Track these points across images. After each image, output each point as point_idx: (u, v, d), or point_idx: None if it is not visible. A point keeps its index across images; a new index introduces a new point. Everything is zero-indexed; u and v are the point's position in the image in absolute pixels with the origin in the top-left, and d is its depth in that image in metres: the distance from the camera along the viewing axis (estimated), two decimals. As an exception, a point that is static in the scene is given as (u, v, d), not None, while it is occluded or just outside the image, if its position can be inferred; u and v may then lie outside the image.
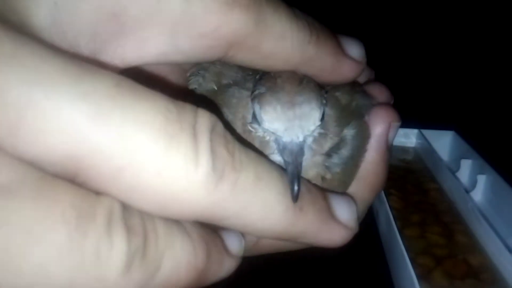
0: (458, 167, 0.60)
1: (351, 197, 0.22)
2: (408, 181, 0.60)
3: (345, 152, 0.24)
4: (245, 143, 0.18)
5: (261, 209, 0.17)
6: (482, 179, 0.56)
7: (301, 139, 0.22)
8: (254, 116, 0.23)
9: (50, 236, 0.14)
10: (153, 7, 0.18)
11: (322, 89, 0.23)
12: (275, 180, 0.18)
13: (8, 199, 0.13)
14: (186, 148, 0.15)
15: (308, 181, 0.22)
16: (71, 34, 0.18)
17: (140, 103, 0.15)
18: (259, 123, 0.22)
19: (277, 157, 0.22)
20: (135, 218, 0.15)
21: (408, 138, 0.68)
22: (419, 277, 0.41)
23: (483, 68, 0.87)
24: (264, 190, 0.17)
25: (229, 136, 0.17)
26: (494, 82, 0.85)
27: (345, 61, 0.24)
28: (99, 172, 0.15)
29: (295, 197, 0.18)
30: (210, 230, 0.17)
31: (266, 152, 0.22)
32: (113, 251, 0.14)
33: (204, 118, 0.16)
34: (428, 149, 0.63)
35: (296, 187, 0.19)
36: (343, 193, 0.21)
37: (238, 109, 0.24)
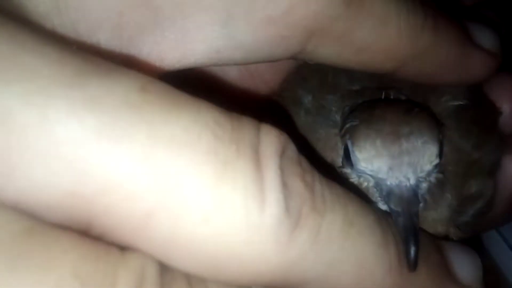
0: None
1: (474, 251, 0.17)
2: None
3: (478, 206, 0.19)
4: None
5: (355, 270, 0.12)
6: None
7: (412, 182, 0.16)
8: (346, 157, 0.17)
9: None
10: None
11: (438, 121, 0.17)
12: (372, 227, 0.13)
13: None
14: (245, 180, 0.10)
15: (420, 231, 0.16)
16: (84, 27, 0.13)
17: (178, 115, 0.10)
18: (352, 165, 0.17)
19: (381, 207, 0.16)
20: (177, 284, 0.11)
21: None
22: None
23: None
24: (358, 241, 0.12)
25: (305, 163, 0.12)
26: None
27: (475, 53, 0.17)
28: (120, 219, 0.10)
29: (413, 263, 0.13)
30: None
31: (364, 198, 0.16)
32: None
33: (271, 137, 0.11)
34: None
35: (413, 248, 0.13)
36: (462, 243, 0.17)
37: (326, 151, 0.18)
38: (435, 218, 0.18)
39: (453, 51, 0.17)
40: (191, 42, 0.14)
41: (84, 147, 0.10)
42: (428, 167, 0.16)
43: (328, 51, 0.15)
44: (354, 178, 0.17)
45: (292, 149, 0.12)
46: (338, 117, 0.18)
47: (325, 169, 0.16)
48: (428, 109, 0.17)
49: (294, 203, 0.11)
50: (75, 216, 0.10)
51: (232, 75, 0.18)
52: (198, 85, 0.13)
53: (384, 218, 0.14)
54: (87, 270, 0.10)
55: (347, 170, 0.17)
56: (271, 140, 0.11)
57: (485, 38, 0.18)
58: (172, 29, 0.14)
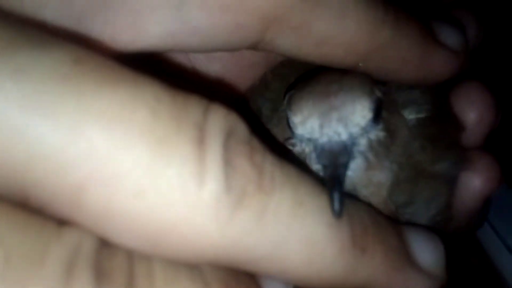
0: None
1: (435, 234, 0.16)
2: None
3: (431, 213, 0.18)
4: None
5: (305, 249, 0.12)
6: (481, 179, 0.57)
7: (344, 137, 0.16)
8: (289, 127, 0.17)
9: None
10: None
11: (374, 80, 0.17)
12: (324, 207, 0.13)
13: None
14: (183, 156, 0.10)
15: (373, 206, 0.16)
16: (30, 1, 0.12)
17: (113, 89, 0.10)
18: (293, 133, 0.17)
19: (315, 163, 0.16)
20: (116, 260, 0.10)
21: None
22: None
23: (480, 69, 0.88)
24: (307, 221, 0.12)
25: (256, 143, 0.12)
26: (491, 83, 0.86)
27: (437, 50, 0.17)
28: (52, 192, 0.10)
29: (338, 210, 0.13)
30: (243, 276, 0.12)
31: (305, 161, 0.17)
32: None
33: (218, 115, 0.11)
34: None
35: (336, 195, 0.13)
36: (424, 227, 0.16)
37: (281, 133, 0.18)
38: (380, 181, 0.17)
39: (415, 47, 0.16)
40: (144, 24, 0.14)
41: (9, 119, 0.09)
42: (361, 121, 0.16)
43: (287, 42, 0.15)
44: (297, 146, 0.17)
45: (241, 128, 0.12)
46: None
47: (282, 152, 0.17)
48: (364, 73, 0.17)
49: (237, 182, 0.11)
50: (11, 187, 0.10)
51: (215, 69, 0.18)
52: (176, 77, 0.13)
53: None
54: (13, 242, 0.09)
55: (292, 141, 0.17)
56: (218, 118, 0.11)
57: (449, 37, 0.17)
58: (124, 9, 0.13)
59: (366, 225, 0.13)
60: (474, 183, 0.18)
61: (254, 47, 0.15)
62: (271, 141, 0.16)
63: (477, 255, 0.48)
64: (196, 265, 0.11)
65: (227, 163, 0.11)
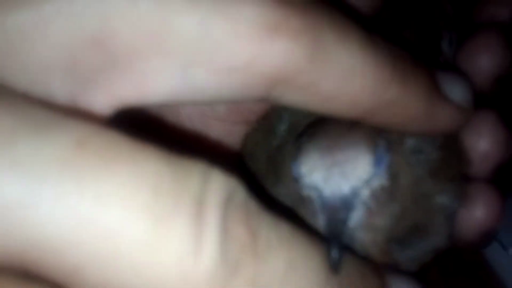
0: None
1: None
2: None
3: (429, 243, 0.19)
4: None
5: None
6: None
7: (345, 191, 0.17)
8: (295, 172, 0.18)
9: None
10: (157, 29, 0.13)
11: (381, 133, 0.18)
12: (316, 268, 0.13)
13: None
14: (181, 234, 0.11)
15: (362, 258, 0.16)
16: (34, 69, 0.13)
17: (114, 170, 0.10)
18: (299, 179, 0.17)
19: (319, 218, 0.17)
20: None
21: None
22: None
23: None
24: (300, 285, 0.12)
25: (253, 206, 0.12)
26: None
27: (443, 106, 0.17)
28: (50, 270, 0.11)
29: (335, 266, 0.13)
30: None
31: (308, 210, 0.17)
32: None
33: (219, 184, 0.11)
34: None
35: (335, 254, 0.14)
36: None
37: (284, 169, 0.19)
38: (380, 226, 0.18)
39: (420, 103, 0.16)
40: (150, 84, 0.14)
41: (9, 210, 0.10)
42: (363, 175, 0.17)
43: (295, 99, 0.15)
44: (304, 193, 0.18)
45: (240, 193, 0.12)
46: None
47: (277, 192, 0.18)
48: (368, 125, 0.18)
49: (233, 252, 0.11)
50: (13, 263, 0.11)
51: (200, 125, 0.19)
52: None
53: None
54: None
55: (296, 184, 0.18)
56: (218, 187, 0.11)
57: (455, 91, 0.17)
58: (130, 71, 0.14)
59: (356, 279, 0.14)
60: (475, 216, 0.19)
61: (261, 100, 0.16)
62: (265, 195, 0.17)
63: (471, 251, 0.48)
64: None
65: (225, 233, 0.11)
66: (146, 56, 0.13)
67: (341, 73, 0.15)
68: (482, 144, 0.19)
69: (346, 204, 0.16)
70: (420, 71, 0.17)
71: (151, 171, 0.11)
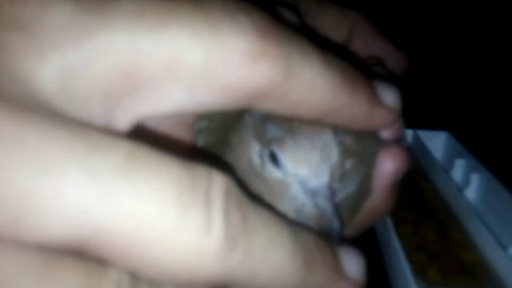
0: (451, 167, 0.61)
1: (359, 252, 0.22)
2: (403, 180, 0.60)
3: (350, 187, 0.24)
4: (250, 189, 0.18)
5: (273, 272, 0.17)
6: (475, 178, 0.57)
7: (327, 179, 0.22)
8: (272, 160, 0.22)
9: None
10: (170, 63, 0.17)
11: (332, 128, 0.23)
12: (287, 241, 0.17)
13: None
14: (198, 217, 0.15)
15: (315, 233, 0.21)
16: (81, 98, 0.16)
17: (153, 175, 0.14)
18: (278, 167, 0.22)
19: (300, 199, 0.22)
20: (144, 286, 0.15)
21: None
22: (414, 273, 0.41)
23: (478, 69, 0.88)
24: (276, 253, 0.17)
25: (242, 197, 0.16)
26: (488, 83, 0.86)
27: (379, 110, 0.22)
28: (107, 249, 0.14)
29: (339, 235, 0.20)
30: None
31: (284, 194, 0.22)
32: None
33: (218, 181, 0.15)
34: (422, 149, 0.64)
35: (336, 224, 0.20)
36: (352, 247, 0.22)
37: (240, 150, 0.23)
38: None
39: (364, 108, 0.21)
40: (162, 102, 0.18)
41: (88, 208, 0.14)
42: (334, 163, 0.22)
43: (267, 106, 0.19)
44: (277, 176, 0.22)
45: (234, 187, 0.16)
46: (249, 120, 0.24)
47: (241, 173, 0.22)
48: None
49: (232, 231, 0.15)
50: (74, 247, 0.14)
51: (169, 125, 0.22)
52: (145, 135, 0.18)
53: (297, 227, 0.18)
54: (85, 285, 0.14)
55: (270, 168, 0.22)
56: (218, 183, 0.16)
57: (389, 97, 0.23)
58: (148, 95, 0.18)
59: (312, 250, 0.18)
60: (388, 161, 0.25)
61: (240, 108, 0.20)
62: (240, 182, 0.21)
63: (471, 252, 0.49)
64: (197, 286, 0.16)
65: (226, 217, 0.15)
66: (161, 82, 0.17)
67: (305, 86, 0.19)
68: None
69: (331, 190, 0.22)
70: (363, 81, 0.21)
71: (176, 173, 0.15)
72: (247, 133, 0.23)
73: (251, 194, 0.20)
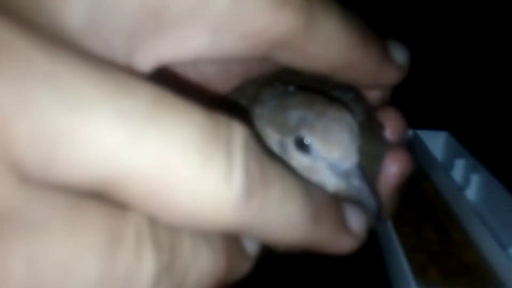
0: (452, 167, 0.61)
1: (361, 208, 0.23)
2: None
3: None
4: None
5: (284, 223, 0.17)
6: (475, 178, 0.57)
7: (356, 159, 0.22)
8: (299, 146, 0.22)
9: (83, 271, 0.14)
10: (198, 5, 0.17)
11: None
12: (299, 194, 0.18)
13: (40, 234, 0.13)
14: (220, 166, 0.15)
15: (324, 190, 0.21)
16: (107, 34, 0.16)
17: (179, 122, 0.14)
18: (307, 152, 0.22)
19: (332, 182, 0.22)
20: (162, 233, 0.15)
21: (403, 138, 0.69)
22: (414, 273, 0.41)
23: (477, 69, 0.88)
24: (288, 205, 0.17)
25: (259, 150, 0.16)
26: (488, 83, 0.86)
27: (389, 66, 0.23)
28: (131, 193, 0.14)
29: (378, 214, 0.21)
30: (232, 237, 0.18)
31: (314, 176, 0.22)
32: (143, 271, 0.14)
33: (239, 132, 0.16)
34: (422, 149, 0.64)
35: (375, 204, 0.21)
36: (355, 204, 0.22)
37: (270, 129, 0.23)
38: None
39: (375, 64, 0.22)
40: (184, 45, 0.18)
41: (116, 149, 0.13)
42: (359, 143, 0.22)
43: (285, 57, 0.20)
44: (306, 161, 0.22)
45: (252, 140, 0.16)
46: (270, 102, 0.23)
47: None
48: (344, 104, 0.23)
49: (251, 181, 0.15)
50: (98, 189, 0.14)
51: (208, 71, 0.22)
52: (170, 80, 0.17)
53: (308, 184, 0.18)
54: (109, 228, 0.14)
55: (299, 153, 0.22)
56: (239, 134, 0.16)
57: (399, 55, 0.23)
58: (172, 36, 0.18)
59: (321, 204, 0.19)
60: (394, 165, 0.25)
61: (260, 57, 0.20)
62: (260, 140, 0.21)
63: (471, 252, 0.49)
64: (212, 233, 0.16)
65: (245, 168, 0.15)
66: (187, 25, 0.17)
67: (323, 39, 0.19)
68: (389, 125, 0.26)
69: (361, 168, 0.22)
70: (376, 38, 0.22)
71: (201, 122, 0.15)
72: (261, 124, 0.23)
73: (267, 148, 0.21)
